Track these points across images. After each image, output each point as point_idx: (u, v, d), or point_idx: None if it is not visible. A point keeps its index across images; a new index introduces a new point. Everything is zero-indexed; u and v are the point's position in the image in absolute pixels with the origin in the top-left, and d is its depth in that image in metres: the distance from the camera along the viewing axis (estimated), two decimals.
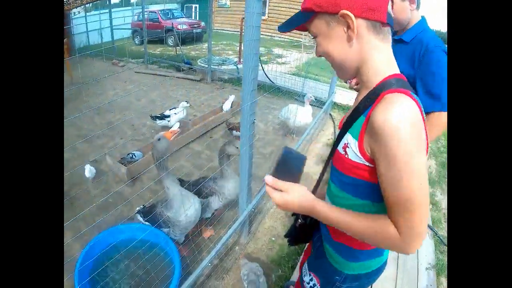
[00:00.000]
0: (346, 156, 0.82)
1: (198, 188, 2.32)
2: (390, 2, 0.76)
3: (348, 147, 0.82)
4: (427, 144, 0.74)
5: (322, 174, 1.07)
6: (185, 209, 2.08)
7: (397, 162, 0.69)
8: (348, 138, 0.82)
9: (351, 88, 1.84)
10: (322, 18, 0.80)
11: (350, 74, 0.86)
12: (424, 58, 1.55)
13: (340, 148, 0.86)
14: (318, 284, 1.15)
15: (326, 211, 0.83)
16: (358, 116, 0.79)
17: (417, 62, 1.57)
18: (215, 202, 2.43)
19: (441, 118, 1.53)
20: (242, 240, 2.62)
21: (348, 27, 0.76)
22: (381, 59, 0.80)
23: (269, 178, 0.86)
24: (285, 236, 1.20)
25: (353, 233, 0.81)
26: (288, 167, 0.86)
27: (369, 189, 0.82)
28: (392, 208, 0.74)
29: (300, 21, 0.84)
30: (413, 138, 0.68)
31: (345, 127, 0.84)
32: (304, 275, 1.22)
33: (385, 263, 1.09)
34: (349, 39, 0.78)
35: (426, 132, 0.73)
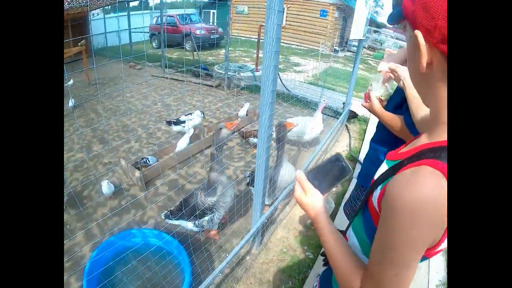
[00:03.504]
0: (371, 196, 0.81)
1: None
2: None
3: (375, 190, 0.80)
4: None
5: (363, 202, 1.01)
6: (230, 193, 2.42)
7: (386, 239, 0.66)
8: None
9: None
10: (407, 24, 0.68)
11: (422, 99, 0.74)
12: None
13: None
14: None
15: (322, 227, 0.85)
16: (397, 170, 0.68)
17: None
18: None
19: None
20: (253, 250, 2.60)
21: (419, 51, 0.62)
22: None
23: (300, 174, 0.90)
24: (322, 254, 1.20)
25: (330, 260, 0.82)
26: (328, 171, 0.91)
27: (372, 232, 0.77)
28: (368, 266, 0.72)
29: (397, 18, 0.73)
30: (413, 228, 0.60)
31: (383, 176, 0.77)
32: (315, 282, 1.29)
33: None
34: (419, 65, 0.62)
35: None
